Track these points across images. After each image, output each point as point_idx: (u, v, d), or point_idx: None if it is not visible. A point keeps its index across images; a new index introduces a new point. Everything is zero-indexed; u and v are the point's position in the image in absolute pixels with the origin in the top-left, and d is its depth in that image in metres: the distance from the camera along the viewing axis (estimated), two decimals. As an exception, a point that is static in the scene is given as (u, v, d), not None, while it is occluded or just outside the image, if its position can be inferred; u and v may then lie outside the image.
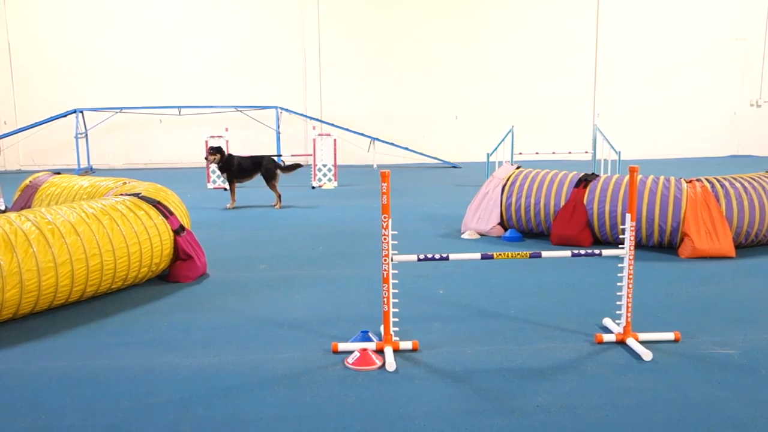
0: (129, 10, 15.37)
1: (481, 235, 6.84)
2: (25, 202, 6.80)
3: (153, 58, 15.50)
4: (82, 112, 14.43)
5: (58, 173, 7.28)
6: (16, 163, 15.32)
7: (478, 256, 3.78)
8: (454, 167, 14.96)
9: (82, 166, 14.18)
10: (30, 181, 7.05)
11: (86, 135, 14.50)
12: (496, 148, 11.24)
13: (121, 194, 5.37)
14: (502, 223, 6.80)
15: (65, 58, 15.31)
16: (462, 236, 6.87)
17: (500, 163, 11.23)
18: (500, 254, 3.80)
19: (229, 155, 9.24)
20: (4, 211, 6.96)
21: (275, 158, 9.57)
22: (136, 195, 5.27)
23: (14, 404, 3.09)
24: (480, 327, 4.07)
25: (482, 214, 6.85)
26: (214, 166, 9.95)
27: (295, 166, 9.61)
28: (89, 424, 2.88)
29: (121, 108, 14.74)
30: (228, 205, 9.19)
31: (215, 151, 9.12)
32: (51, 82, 15.35)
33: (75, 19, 15.27)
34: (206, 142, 11.21)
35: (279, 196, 9.22)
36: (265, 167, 9.18)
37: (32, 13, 15.19)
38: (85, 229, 4.51)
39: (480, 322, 4.17)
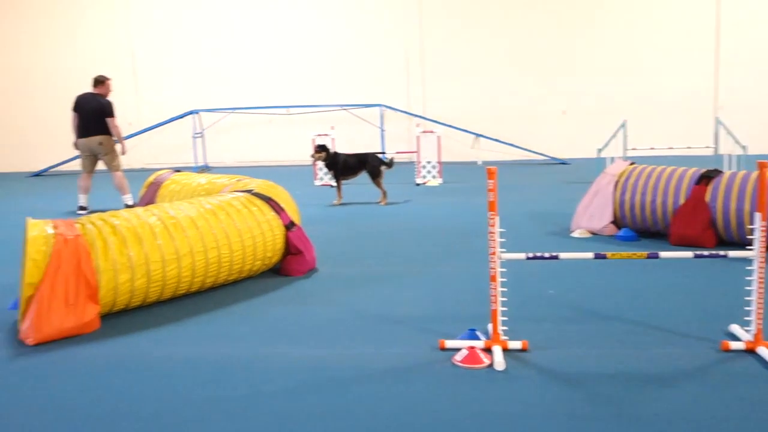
0: (240, 17, 15.98)
1: (593, 233, 6.62)
2: (150, 198, 7.23)
3: (262, 61, 16.03)
4: (198, 113, 15.16)
5: (179, 171, 7.69)
6: (140, 161, 16.28)
7: (590, 255, 3.67)
8: (563, 163, 14.57)
9: (198, 164, 14.90)
10: (154, 179, 7.49)
11: (202, 135, 15.22)
12: (607, 144, 10.85)
13: (236, 191, 5.59)
14: (615, 222, 6.56)
15: (183, 62, 16.12)
16: (572, 235, 6.68)
17: (612, 159, 10.83)
18: (614, 254, 3.67)
19: (335, 153, 9.44)
20: (132, 206, 7.44)
21: (380, 155, 9.68)
22: (250, 191, 5.47)
23: (143, 386, 3.29)
24: (593, 329, 3.95)
25: (594, 212, 6.64)
26: (321, 164, 10.18)
27: (390, 163, 9.60)
28: (210, 408, 3.02)
29: (234, 108, 15.35)
30: (334, 202, 9.39)
31: (321, 149, 9.36)
32: (170, 85, 16.20)
33: (191, 27, 16.05)
34: (313, 140, 11.47)
35: (384, 193, 9.32)
36: (370, 164, 9.31)
37: (154, 22, 16.10)
38: (204, 224, 4.74)
39: (593, 324, 4.04)
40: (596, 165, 10.50)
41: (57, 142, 16.28)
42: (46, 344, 3.88)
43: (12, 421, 2.97)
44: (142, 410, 3.04)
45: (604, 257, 3.65)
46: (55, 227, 4.14)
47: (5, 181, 14.10)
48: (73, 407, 3.09)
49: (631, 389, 3.11)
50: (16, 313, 4.32)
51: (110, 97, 9.37)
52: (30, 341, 3.88)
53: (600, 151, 10.59)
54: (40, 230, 4.07)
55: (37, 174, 15.41)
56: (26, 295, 3.96)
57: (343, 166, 9.34)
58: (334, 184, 9.60)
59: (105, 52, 16.18)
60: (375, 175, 9.28)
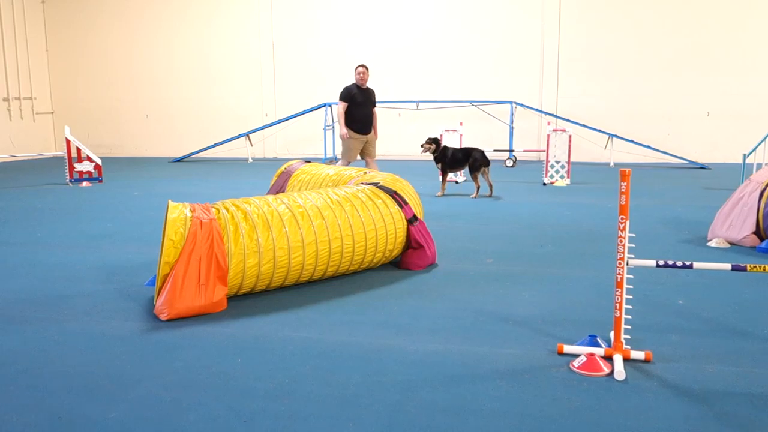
0: (373, 13, 16.25)
1: (731, 244, 6.19)
2: (280, 186, 7.54)
3: (393, 56, 16.21)
4: (330, 106, 15.59)
5: (308, 161, 7.96)
6: (274, 151, 17.02)
7: (727, 266, 3.43)
8: (703, 168, 13.71)
9: (327, 156, 15.35)
10: (285, 168, 7.80)
11: (333, 127, 15.64)
12: (755, 149, 10.10)
13: (362, 183, 5.71)
14: (758, 233, 6.09)
15: (318, 57, 16.64)
16: (708, 244, 6.29)
17: (759, 166, 10.09)
18: (755, 266, 3.41)
19: (444, 147, 9.75)
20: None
21: (484, 151, 9.79)
22: (375, 184, 5.57)
23: (263, 366, 3.45)
24: (725, 345, 3.70)
25: (734, 221, 6.20)
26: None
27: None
28: (325, 393, 3.12)
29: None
30: (438, 194, 9.73)
31: (431, 141, 9.72)
32: (305, 78, 16.77)
33: (328, 22, 16.52)
34: (441, 135, 11.49)
35: (478, 188, 9.55)
36: (473, 158, 9.55)
37: (291, 16, 16.71)
38: (330, 214, 4.88)
39: (725, 340, 3.78)
40: (741, 171, 9.81)
41: (196, 130, 17.39)
42: (177, 320, 4.16)
43: (142, 388, 3.21)
44: (259, 388, 3.19)
45: (743, 269, 3.40)
46: (192, 210, 4.41)
47: (150, 166, 15.20)
48: (197, 380, 3.29)
49: (765, 411, 2.89)
50: (153, 289, 4.67)
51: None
52: (163, 316, 4.18)
53: (746, 156, 9.87)
54: (179, 213, 4.35)
55: (178, 160, 16.48)
56: (163, 273, 4.26)
57: (450, 159, 9.64)
58: (459, 179, 9.66)
59: (246, 43, 17.00)
60: (475, 170, 9.53)
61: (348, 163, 9.61)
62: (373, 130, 9.71)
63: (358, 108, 9.43)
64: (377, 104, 9.87)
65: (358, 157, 9.76)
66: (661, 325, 4.03)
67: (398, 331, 3.98)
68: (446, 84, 15.95)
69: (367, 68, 9.61)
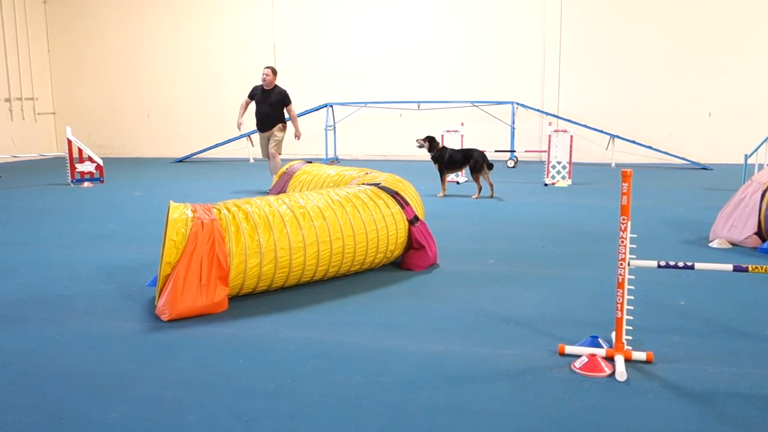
0: (373, 14, 16.24)
1: (733, 245, 6.18)
2: (281, 187, 7.54)
3: (393, 56, 16.20)
4: (332, 106, 15.60)
5: (310, 162, 7.97)
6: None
7: (729, 267, 3.43)
8: (704, 169, 13.69)
9: (329, 156, 15.34)
10: (286, 169, 7.80)
11: (334, 127, 15.65)
12: (756, 149, 10.08)
13: (363, 183, 5.71)
14: (759, 233, 6.08)
15: (318, 57, 16.64)
16: (710, 245, 6.28)
17: (760, 166, 10.07)
18: (756, 267, 3.40)
19: (442, 147, 9.79)
20: None
21: (484, 152, 9.79)
22: (377, 185, 5.57)
23: (264, 367, 3.45)
24: (726, 346, 3.69)
25: (736, 222, 6.19)
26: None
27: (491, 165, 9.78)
28: (326, 394, 3.12)
29: (366, 102, 15.66)
30: (439, 194, 9.70)
31: (425, 139, 9.79)
32: (306, 79, 16.76)
33: (329, 23, 16.51)
34: (442, 136, 11.49)
35: (480, 189, 9.55)
36: (474, 159, 9.56)
37: (293, 17, 16.71)
38: (331, 215, 4.88)
39: (726, 341, 3.78)
40: (742, 172, 9.80)
41: (198, 131, 17.39)
42: (179, 321, 4.16)
43: (143, 388, 3.21)
44: (260, 388, 3.19)
45: (744, 270, 3.39)
46: (194, 211, 4.41)
47: (152, 166, 15.21)
48: (198, 380, 3.29)
49: (764, 413, 2.88)
50: (154, 289, 4.67)
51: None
52: (165, 317, 4.17)
53: (748, 157, 9.86)
54: (180, 213, 4.35)
55: (180, 160, 16.47)
56: (164, 274, 4.26)
57: (448, 160, 9.67)
58: (460, 180, 9.67)
59: (248, 44, 17.00)
60: (476, 170, 9.55)
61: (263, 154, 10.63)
62: (295, 128, 10.63)
63: (257, 106, 10.32)
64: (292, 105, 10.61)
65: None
66: (662, 325, 4.03)
67: (399, 331, 3.98)
68: (447, 84, 15.94)
69: (272, 71, 10.25)
